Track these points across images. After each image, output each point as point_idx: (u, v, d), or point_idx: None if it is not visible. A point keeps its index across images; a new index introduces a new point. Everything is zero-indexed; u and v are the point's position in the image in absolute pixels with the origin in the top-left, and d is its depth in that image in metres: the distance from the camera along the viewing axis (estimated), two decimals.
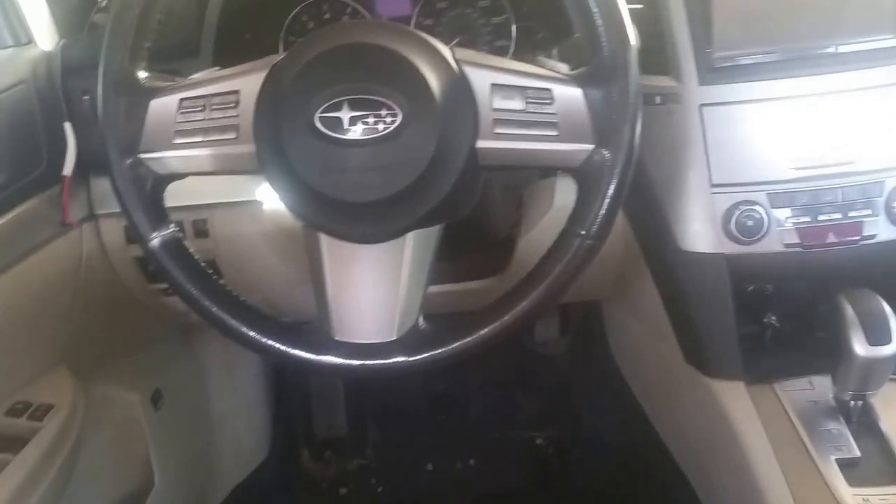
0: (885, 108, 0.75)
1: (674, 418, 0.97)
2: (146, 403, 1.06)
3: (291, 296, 0.89)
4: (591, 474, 1.24)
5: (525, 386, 1.42)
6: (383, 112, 0.55)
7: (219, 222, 0.86)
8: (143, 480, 1.03)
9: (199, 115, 0.60)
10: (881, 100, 0.75)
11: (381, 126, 0.55)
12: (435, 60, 0.57)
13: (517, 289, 0.62)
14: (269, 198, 0.85)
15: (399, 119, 0.55)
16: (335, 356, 0.64)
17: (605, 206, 0.58)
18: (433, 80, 0.56)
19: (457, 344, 0.62)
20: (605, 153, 0.58)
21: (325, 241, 0.62)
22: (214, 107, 0.60)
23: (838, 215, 0.76)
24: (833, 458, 0.74)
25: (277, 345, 0.64)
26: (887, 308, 0.71)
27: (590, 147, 0.58)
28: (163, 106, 0.61)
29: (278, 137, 0.57)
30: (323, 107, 0.56)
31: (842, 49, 0.76)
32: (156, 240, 0.63)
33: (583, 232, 0.59)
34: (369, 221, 0.59)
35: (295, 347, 0.64)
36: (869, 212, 0.76)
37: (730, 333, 0.81)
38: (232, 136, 0.60)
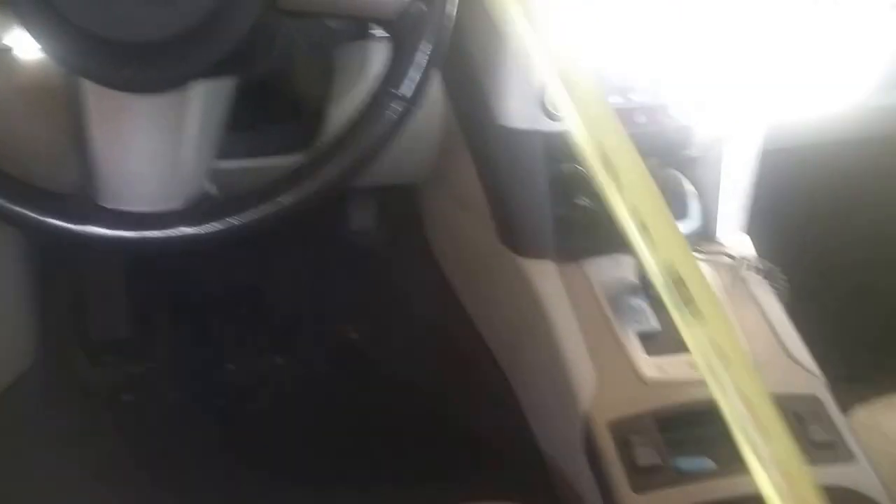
0: None
1: (487, 301, 1.04)
2: None
3: (55, 165, 0.80)
4: (405, 365, 1.29)
5: (338, 278, 1.44)
6: None
7: None
8: None
9: None
10: None
11: None
12: None
13: (323, 154, 0.62)
14: (21, 44, 0.76)
15: None
16: (102, 226, 0.60)
17: (423, 66, 0.60)
18: None
19: (255, 213, 0.62)
20: (424, 6, 0.60)
21: (91, 89, 0.57)
22: None
23: (647, 96, 0.82)
24: (634, 330, 0.82)
25: (26, 211, 0.59)
26: (688, 186, 0.79)
27: None
28: None
29: None
30: None
31: None
32: None
33: (397, 92, 0.61)
34: (146, 65, 0.55)
35: (50, 215, 0.60)
36: (676, 94, 0.82)
37: (544, 213, 0.88)
38: None
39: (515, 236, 0.90)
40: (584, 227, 0.91)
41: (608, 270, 0.89)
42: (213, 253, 1.43)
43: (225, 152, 0.81)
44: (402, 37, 0.61)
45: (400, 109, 0.61)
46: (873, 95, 0.93)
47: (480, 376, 1.07)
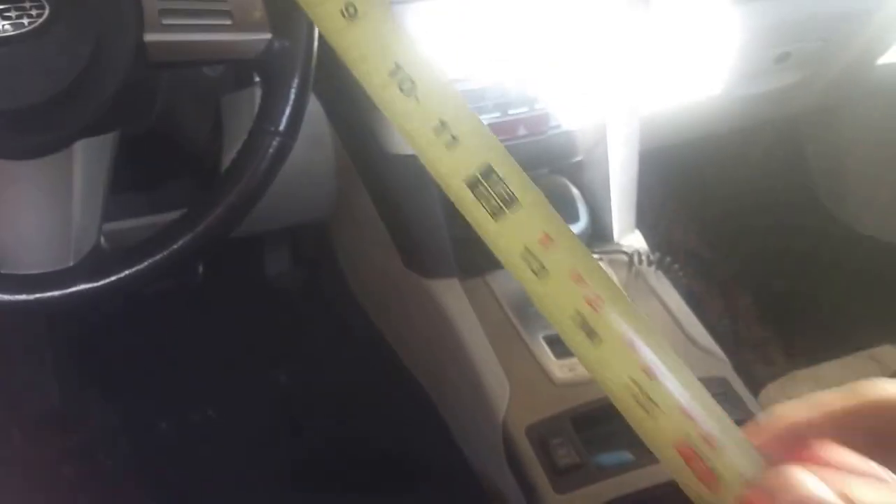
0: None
1: (402, 326, 1.07)
2: None
3: None
4: (335, 401, 1.30)
5: (261, 324, 1.44)
6: (27, 5, 0.53)
7: None
8: None
9: None
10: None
11: (26, 21, 0.53)
12: None
13: (209, 195, 0.65)
14: None
15: (46, 12, 0.53)
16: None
17: (291, 99, 0.62)
18: None
19: (149, 261, 0.63)
20: (285, 42, 0.62)
21: None
22: None
23: (525, 108, 0.86)
24: (541, 335, 0.86)
25: None
26: (574, 190, 0.83)
27: (267, 36, 0.62)
28: None
29: None
30: None
31: None
32: None
33: (272, 128, 0.63)
34: (24, 132, 0.57)
35: None
36: (554, 103, 0.86)
37: (442, 234, 0.91)
38: None
39: (418, 260, 0.93)
40: (483, 243, 0.94)
41: (511, 281, 0.91)
42: (136, 312, 1.43)
43: (128, 211, 0.82)
44: (271, 74, 0.63)
45: (276, 144, 0.64)
46: (733, 87, 0.99)
47: (407, 401, 1.09)
